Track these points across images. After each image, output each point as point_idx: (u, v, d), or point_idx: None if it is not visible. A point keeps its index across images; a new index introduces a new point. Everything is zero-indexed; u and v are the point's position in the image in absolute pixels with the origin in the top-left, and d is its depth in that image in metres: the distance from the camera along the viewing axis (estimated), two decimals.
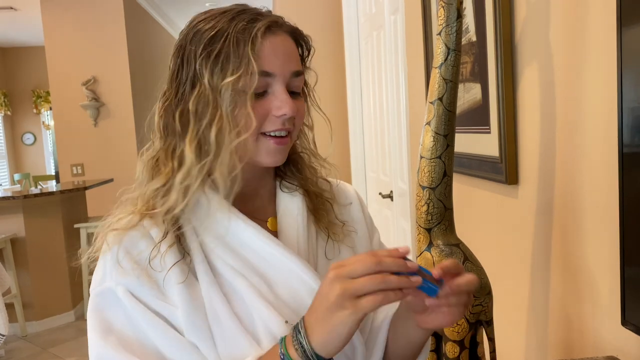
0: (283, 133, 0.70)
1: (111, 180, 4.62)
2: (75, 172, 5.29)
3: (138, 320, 0.65)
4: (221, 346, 0.65)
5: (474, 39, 1.37)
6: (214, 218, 0.70)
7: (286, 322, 0.65)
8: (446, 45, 1.00)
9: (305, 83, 0.76)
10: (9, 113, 8.37)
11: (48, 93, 7.77)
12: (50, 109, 7.73)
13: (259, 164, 0.71)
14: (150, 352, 0.64)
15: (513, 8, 1.20)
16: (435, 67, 1.03)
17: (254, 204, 0.77)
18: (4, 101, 8.18)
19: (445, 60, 1.01)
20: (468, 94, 1.43)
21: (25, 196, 3.83)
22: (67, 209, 4.15)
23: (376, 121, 2.95)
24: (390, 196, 2.66)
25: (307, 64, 0.77)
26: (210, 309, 0.66)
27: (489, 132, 1.32)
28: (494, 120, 1.29)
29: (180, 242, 0.68)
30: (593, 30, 0.92)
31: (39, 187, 6.54)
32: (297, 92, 0.72)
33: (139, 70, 5.50)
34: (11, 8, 6.04)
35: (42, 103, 8.45)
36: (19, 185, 7.54)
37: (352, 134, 3.42)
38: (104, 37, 5.17)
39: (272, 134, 0.69)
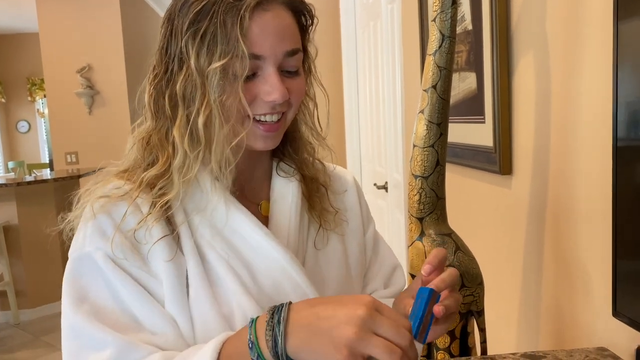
0: (274, 118, 0.66)
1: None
2: (69, 160, 5.26)
3: (117, 287, 0.62)
4: (198, 327, 0.63)
5: (470, 27, 1.36)
6: (205, 199, 0.67)
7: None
8: (440, 31, 0.99)
9: (308, 56, 0.71)
10: (3, 101, 8.31)
11: (43, 81, 7.71)
12: (45, 96, 7.67)
13: (250, 147, 0.68)
14: (125, 321, 0.62)
15: None
16: (430, 54, 1.01)
17: (248, 186, 0.74)
18: None
19: (440, 47, 1.00)
20: (463, 83, 1.42)
21: (19, 184, 3.80)
22: (60, 197, 4.12)
23: (372, 112, 2.94)
24: (385, 187, 2.66)
25: (310, 36, 0.71)
26: (192, 289, 0.64)
27: (484, 122, 1.31)
28: (488, 110, 1.28)
29: (168, 218, 0.66)
30: (590, 21, 0.91)
31: (33, 175, 6.51)
32: (294, 71, 0.67)
33: (134, 57, 5.45)
34: None
35: (37, 91, 8.39)
36: (13, 173, 7.51)
37: (348, 125, 3.40)
38: (99, 24, 5.12)
39: (261, 118, 0.66)
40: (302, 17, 0.69)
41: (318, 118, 0.77)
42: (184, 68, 0.63)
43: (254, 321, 0.54)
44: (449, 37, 0.99)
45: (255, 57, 0.62)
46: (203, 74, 0.61)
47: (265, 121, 0.66)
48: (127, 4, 5.32)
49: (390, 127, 2.46)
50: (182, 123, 0.64)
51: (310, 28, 0.70)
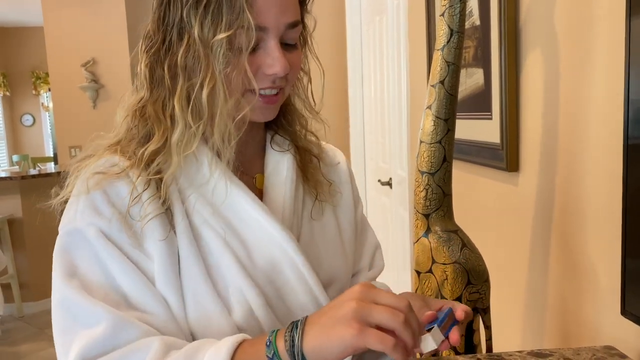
0: (274, 91, 0.65)
1: None
2: (73, 154, 5.26)
3: (107, 263, 0.61)
4: (191, 306, 0.62)
5: (478, 22, 1.35)
6: (202, 175, 0.66)
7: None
8: (449, 26, 0.98)
9: (305, 28, 0.70)
10: (7, 94, 8.32)
11: (47, 74, 7.71)
12: (49, 90, 7.68)
13: (249, 120, 0.66)
14: (115, 298, 0.60)
15: None
16: (438, 50, 1.00)
17: (241, 158, 0.72)
18: (3, 82, 8.13)
19: (448, 42, 0.99)
20: (470, 79, 1.40)
21: (23, 177, 3.82)
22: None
23: (377, 108, 2.93)
24: (389, 183, 2.65)
25: (308, 7, 0.70)
26: (185, 267, 0.63)
27: (491, 119, 1.30)
28: (495, 107, 1.27)
29: (163, 196, 0.64)
30: (600, 17, 0.90)
31: (37, 168, 6.52)
32: (292, 44, 0.66)
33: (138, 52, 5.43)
34: None
35: (41, 84, 8.39)
36: (17, 167, 7.53)
37: (352, 120, 3.39)
38: (103, 18, 5.12)
39: (261, 92, 0.64)
40: None
41: (312, 92, 0.76)
42: (185, 38, 0.61)
43: (274, 331, 0.56)
44: (458, 32, 0.98)
45: (259, 28, 0.61)
46: (207, 45, 0.60)
47: (265, 94, 0.65)
48: None
49: (395, 123, 2.45)
50: (183, 94, 0.63)
51: (309, 1, 0.69)
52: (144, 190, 0.63)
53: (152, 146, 0.64)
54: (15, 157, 7.93)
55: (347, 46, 3.36)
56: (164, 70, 0.63)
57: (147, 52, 0.65)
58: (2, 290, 3.55)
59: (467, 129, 1.45)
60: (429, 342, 0.54)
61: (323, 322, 0.52)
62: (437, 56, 1.01)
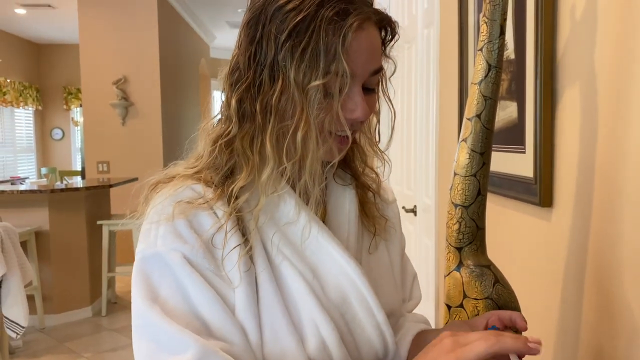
0: (349, 133, 0.66)
1: (136, 179, 4.68)
2: (100, 169, 5.37)
3: (189, 290, 0.61)
4: (268, 336, 0.62)
5: (512, 56, 1.35)
6: (283, 211, 0.67)
7: None
8: (487, 61, 0.98)
9: (382, 73, 0.71)
10: (40, 108, 8.55)
11: (79, 90, 7.92)
12: (80, 105, 7.87)
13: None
14: (196, 325, 0.60)
15: (556, 26, 1.17)
16: (475, 84, 1.01)
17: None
18: (36, 96, 8.37)
19: (486, 77, 0.99)
20: (503, 112, 1.40)
21: (52, 190, 3.90)
22: (91, 205, 4.20)
23: (402, 134, 2.93)
24: (413, 211, 2.63)
25: (387, 52, 0.71)
26: (263, 298, 0.63)
27: (524, 152, 1.29)
28: (529, 140, 1.26)
29: (244, 228, 0.65)
30: None
31: (64, 182, 6.65)
32: (372, 89, 0.67)
33: (169, 72, 5.57)
34: (49, 6, 6.20)
35: (73, 100, 8.62)
36: (45, 179, 7.69)
37: None
38: (136, 38, 5.26)
39: (338, 132, 0.66)
40: (383, 32, 0.69)
41: (379, 131, 0.77)
42: (280, 80, 0.61)
43: None
44: (496, 68, 0.98)
45: (350, 75, 0.62)
46: (303, 90, 0.60)
47: (341, 134, 0.67)
48: (165, 20, 5.45)
49: (422, 150, 2.45)
50: (274, 134, 0.63)
51: (389, 44, 0.71)
52: (226, 222, 0.64)
53: (240, 182, 0.65)
54: (43, 170, 8.11)
55: None
56: (255, 108, 0.63)
57: (236, 86, 0.65)
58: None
59: (499, 162, 1.44)
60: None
61: None
62: (474, 90, 1.01)
